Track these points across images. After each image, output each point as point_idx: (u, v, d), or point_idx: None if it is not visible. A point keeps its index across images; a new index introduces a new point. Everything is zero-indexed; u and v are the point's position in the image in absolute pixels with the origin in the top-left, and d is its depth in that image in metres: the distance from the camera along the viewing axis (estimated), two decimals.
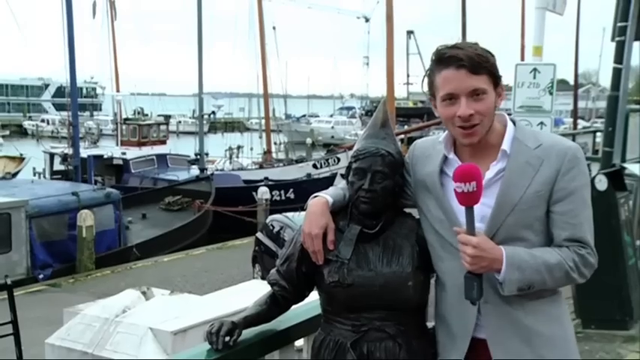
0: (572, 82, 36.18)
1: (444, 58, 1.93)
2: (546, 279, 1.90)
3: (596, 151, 14.56)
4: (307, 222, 2.13)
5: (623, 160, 7.12)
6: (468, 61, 1.89)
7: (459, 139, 1.97)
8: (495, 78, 1.95)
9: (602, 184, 5.90)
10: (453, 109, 1.93)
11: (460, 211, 1.92)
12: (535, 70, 5.77)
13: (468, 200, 1.85)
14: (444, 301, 2.09)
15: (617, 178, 6.14)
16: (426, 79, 2.03)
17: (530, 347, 1.96)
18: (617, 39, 6.64)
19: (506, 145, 1.97)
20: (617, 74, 6.66)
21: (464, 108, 1.90)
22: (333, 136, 51.33)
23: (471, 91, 1.90)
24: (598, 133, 16.26)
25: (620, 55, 6.61)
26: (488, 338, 1.99)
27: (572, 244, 1.93)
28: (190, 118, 56.79)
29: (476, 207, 1.89)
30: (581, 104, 43.73)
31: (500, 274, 1.87)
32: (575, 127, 31.70)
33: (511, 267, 1.87)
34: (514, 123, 2.03)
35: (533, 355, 1.96)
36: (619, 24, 6.60)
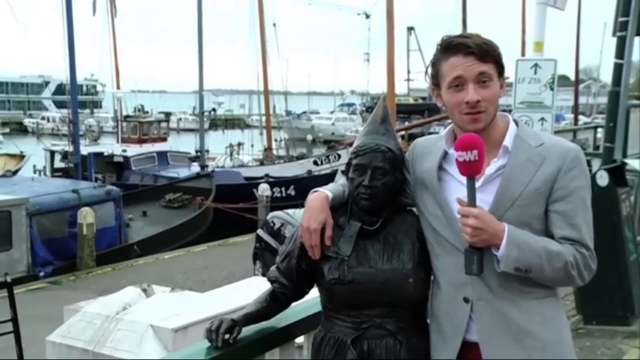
0: (573, 78, 36.15)
1: (452, 46, 1.94)
2: (544, 266, 1.87)
3: (597, 147, 14.54)
4: (306, 216, 2.12)
5: (624, 155, 7.11)
6: (476, 48, 1.91)
7: (464, 125, 1.95)
8: (500, 67, 1.96)
9: (603, 179, 5.89)
10: (459, 95, 1.93)
11: (456, 206, 1.91)
12: (536, 65, 5.74)
13: (470, 170, 1.85)
14: (437, 299, 2.08)
15: (618, 173, 6.13)
16: (429, 70, 2.03)
17: (522, 348, 1.93)
18: (618, 34, 6.62)
19: (508, 142, 1.97)
20: (618, 70, 6.65)
21: (472, 93, 1.90)
22: (333, 133, 51.32)
23: (478, 75, 1.91)
24: (599, 129, 16.24)
25: (621, 50, 6.60)
26: (479, 336, 1.97)
27: (573, 244, 1.91)
28: (191, 115, 56.78)
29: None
30: (582, 100, 43.72)
31: (499, 250, 1.86)
32: (576, 123, 31.66)
33: (511, 243, 1.85)
34: (517, 123, 2.03)
35: (524, 357, 1.93)
36: (620, 19, 6.59)
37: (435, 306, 2.09)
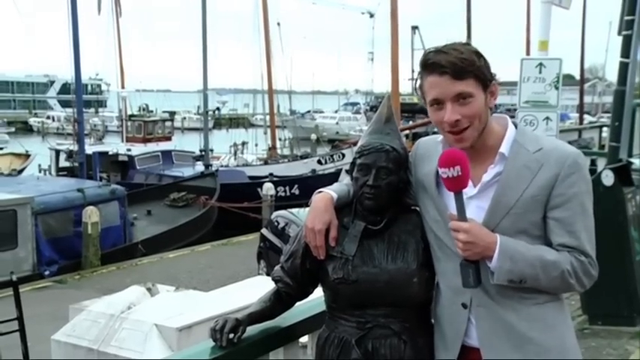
0: (578, 77, 36.07)
1: (427, 64, 1.90)
2: (540, 275, 1.85)
3: (602, 146, 14.50)
4: (311, 217, 2.11)
5: (630, 154, 7.10)
6: (450, 67, 1.85)
7: (450, 142, 1.94)
8: (483, 80, 1.90)
9: (608, 179, 5.86)
10: (440, 114, 1.90)
11: (455, 210, 1.90)
12: (541, 64, 5.73)
13: (454, 185, 1.83)
14: (439, 303, 2.07)
15: (623, 173, 6.10)
16: (418, 84, 1.99)
17: (523, 355, 1.91)
18: (623, 33, 6.59)
19: (504, 148, 1.93)
20: (623, 68, 6.62)
21: (449, 114, 1.87)
22: (337, 132, 51.26)
23: (455, 96, 1.86)
24: (604, 128, 16.19)
25: (626, 49, 6.56)
26: (480, 342, 1.96)
27: (571, 251, 1.88)
28: (195, 114, 56.81)
29: (471, 210, 1.87)
30: (587, 99, 43.57)
31: (492, 262, 1.85)
32: (581, 122, 31.60)
33: (503, 255, 1.83)
34: (516, 126, 1.99)
35: None
36: (626, 18, 6.56)
37: (437, 309, 2.09)
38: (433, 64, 1.88)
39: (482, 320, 1.95)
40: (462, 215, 1.85)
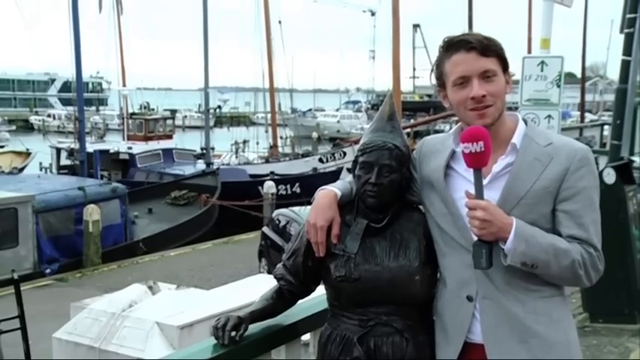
0: (579, 75, 36.02)
1: (453, 43, 1.95)
2: (551, 262, 1.86)
3: (603, 145, 14.51)
4: (313, 213, 2.11)
5: (632, 153, 7.09)
6: (477, 43, 1.92)
7: (471, 121, 1.94)
8: (504, 62, 1.97)
9: (610, 177, 5.86)
10: (464, 92, 1.93)
11: (462, 203, 1.90)
12: (542, 62, 5.71)
13: (476, 161, 1.84)
14: (442, 297, 2.07)
15: (625, 171, 6.10)
16: (434, 72, 2.03)
17: (527, 348, 1.92)
18: (626, 31, 6.59)
19: (516, 140, 1.96)
20: (625, 67, 6.62)
21: (477, 88, 1.90)
22: (339, 130, 51.31)
23: (482, 72, 1.91)
24: (606, 127, 16.19)
25: (629, 47, 6.56)
26: (484, 336, 1.96)
27: (581, 243, 1.90)
28: (196, 112, 56.77)
29: None
30: (588, 97, 43.47)
31: (507, 243, 1.85)
32: (582, 121, 31.56)
33: (519, 237, 1.84)
34: (526, 122, 2.02)
35: (530, 357, 1.91)
36: (628, 15, 6.56)
37: (439, 304, 2.08)
38: (460, 42, 1.94)
39: (487, 313, 1.95)
40: (479, 194, 1.86)
